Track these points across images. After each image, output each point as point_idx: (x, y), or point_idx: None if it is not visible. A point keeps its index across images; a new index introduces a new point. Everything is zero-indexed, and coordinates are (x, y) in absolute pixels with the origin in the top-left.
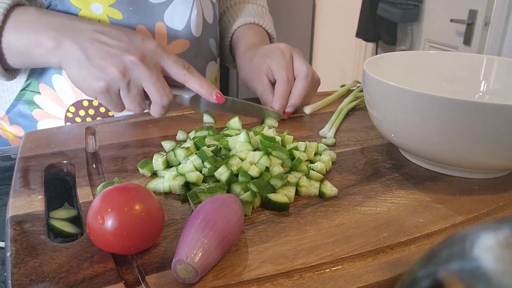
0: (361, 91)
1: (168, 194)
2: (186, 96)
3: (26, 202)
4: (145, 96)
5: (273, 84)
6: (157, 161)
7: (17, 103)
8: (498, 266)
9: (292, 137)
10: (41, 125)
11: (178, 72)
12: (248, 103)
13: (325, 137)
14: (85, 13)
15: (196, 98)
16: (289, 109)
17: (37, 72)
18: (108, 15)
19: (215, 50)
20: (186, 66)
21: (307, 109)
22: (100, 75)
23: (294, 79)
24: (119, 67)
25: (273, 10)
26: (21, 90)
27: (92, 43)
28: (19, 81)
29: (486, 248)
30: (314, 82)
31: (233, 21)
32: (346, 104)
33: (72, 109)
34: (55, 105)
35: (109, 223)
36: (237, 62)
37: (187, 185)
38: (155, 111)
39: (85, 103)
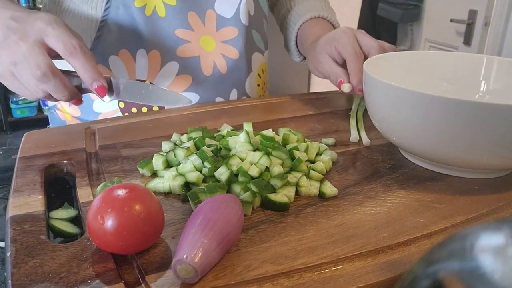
0: None
1: (168, 194)
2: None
3: (26, 202)
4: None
5: (340, 64)
6: (157, 161)
7: None
8: (498, 266)
9: (302, 134)
10: (96, 105)
11: (60, 48)
12: (155, 87)
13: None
14: None
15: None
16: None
17: (96, 53)
18: (163, 1)
19: (260, 42)
20: (74, 43)
21: (366, 140)
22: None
23: (364, 55)
24: (6, 50)
25: None
26: None
27: (1, 29)
28: None
29: (486, 248)
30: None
31: (299, 17)
32: (357, 106)
33: None
34: None
35: (109, 223)
36: (307, 55)
37: (187, 185)
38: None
39: None
